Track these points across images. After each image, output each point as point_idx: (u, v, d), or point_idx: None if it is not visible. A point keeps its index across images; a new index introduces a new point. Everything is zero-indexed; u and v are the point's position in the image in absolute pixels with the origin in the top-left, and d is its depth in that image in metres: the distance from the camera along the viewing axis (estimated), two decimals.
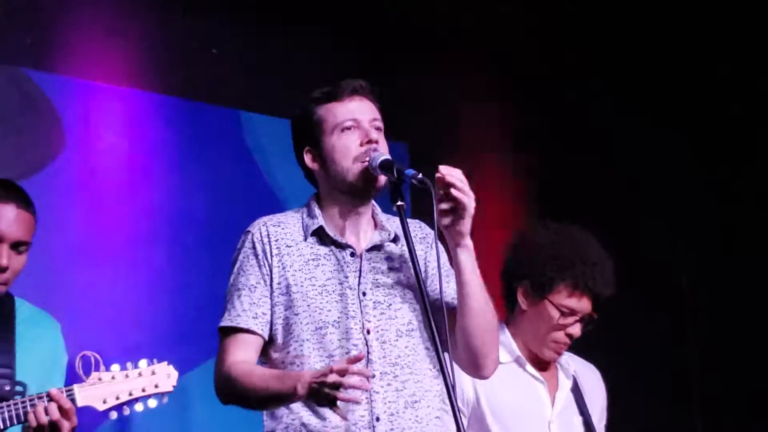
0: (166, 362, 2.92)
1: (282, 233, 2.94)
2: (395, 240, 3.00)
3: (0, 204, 3.00)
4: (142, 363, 2.89)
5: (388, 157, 2.89)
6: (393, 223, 3.01)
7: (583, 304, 3.37)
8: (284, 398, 2.78)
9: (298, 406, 2.82)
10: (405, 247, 2.90)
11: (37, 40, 4.17)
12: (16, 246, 2.99)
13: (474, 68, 5.20)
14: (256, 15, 4.64)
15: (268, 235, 2.93)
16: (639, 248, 5.29)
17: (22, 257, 3.02)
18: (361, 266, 2.93)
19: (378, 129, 2.97)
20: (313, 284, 2.89)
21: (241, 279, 2.90)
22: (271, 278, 2.89)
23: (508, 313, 3.49)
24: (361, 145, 2.92)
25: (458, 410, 2.64)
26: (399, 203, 2.83)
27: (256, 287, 2.89)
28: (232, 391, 2.84)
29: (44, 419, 2.77)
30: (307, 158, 3.00)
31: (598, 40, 5.46)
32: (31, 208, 3.05)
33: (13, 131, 4.08)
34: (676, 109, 5.62)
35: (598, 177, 5.39)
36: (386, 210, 3.00)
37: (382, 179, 2.90)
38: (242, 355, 2.87)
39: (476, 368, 2.93)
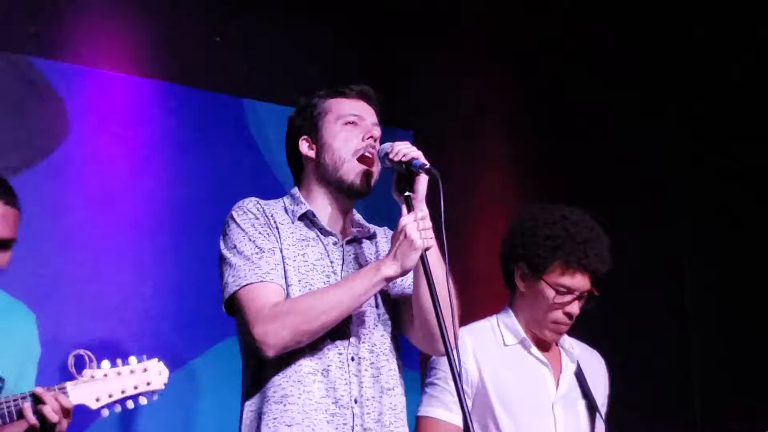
0: (156, 359, 2.88)
1: (273, 211, 2.99)
2: (372, 237, 3.08)
3: None
4: (133, 360, 2.86)
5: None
6: (368, 224, 3.10)
7: (578, 282, 3.39)
8: (366, 279, 2.81)
9: (279, 378, 2.86)
10: (383, 244, 3.04)
11: (40, 27, 4.16)
12: (2, 244, 2.95)
13: (477, 53, 5.20)
14: (259, 2, 4.63)
15: (264, 210, 2.97)
16: (639, 226, 5.31)
17: (6, 254, 2.97)
18: (343, 255, 2.99)
19: (377, 133, 3.03)
20: (305, 261, 2.94)
21: (256, 243, 2.90)
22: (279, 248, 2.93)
23: (510, 296, 3.52)
24: (363, 139, 2.98)
25: (463, 395, 2.65)
26: (407, 193, 2.86)
27: (274, 251, 2.91)
28: (292, 311, 2.80)
29: (55, 416, 2.74)
30: (303, 146, 3.05)
31: (599, 23, 5.45)
32: (15, 202, 2.99)
33: (18, 119, 4.07)
34: (675, 89, 5.63)
35: (599, 160, 5.39)
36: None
37: (375, 174, 2.97)
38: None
39: (433, 346, 2.96)
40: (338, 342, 2.89)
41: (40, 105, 4.14)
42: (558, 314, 3.41)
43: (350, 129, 3.00)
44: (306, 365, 2.86)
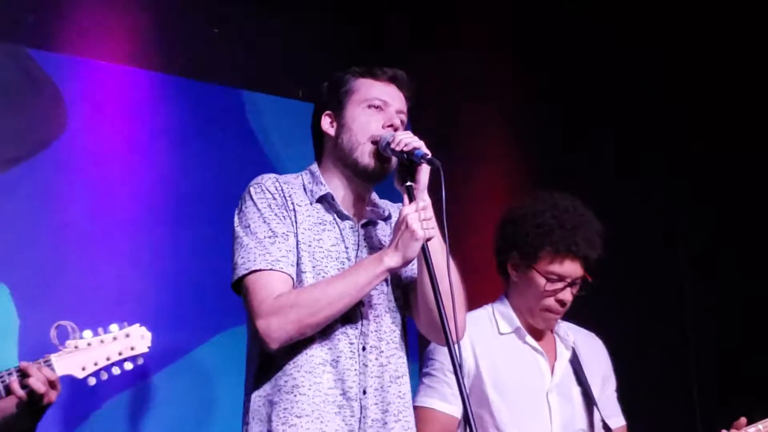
0: (138, 324, 2.89)
1: (292, 191, 2.96)
2: (387, 218, 3.06)
3: None
4: (114, 327, 2.86)
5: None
6: (382, 203, 3.08)
7: (568, 269, 3.40)
8: (370, 270, 2.80)
9: (290, 367, 2.84)
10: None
11: (38, 18, 4.14)
12: None
13: (476, 47, 5.18)
14: None
15: (283, 190, 2.94)
16: (636, 219, 5.31)
17: None
18: (358, 239, 2.97)
19: (401, 122, 3.00)
20: (321, 246, 2.91)
21: (271, 226, 2.87)
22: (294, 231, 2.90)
23: (505, 284, 3.54)
24: (383, 127, 2.95)
25: (464, 386, 2.66)
26: (408, 183, 2.85)
27: (287, 236, 2.88)
28: (296, 304, 2.79)
29: (42, 387, 2.73)
30: (325, 121, 3.02)
31: (600, 18, 5.44)
32: None
33: (15, 110, 4.05)
34: (677, 83, 5.62)
35: (597, 153, 5.39)
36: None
37: (393, 163, 2.93)
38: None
39: (440, 336, 2.90)
40: (349, 331, 2.88)
41: (38, 96, 4.12)
42: (550, 302, 3.42)
43: (372, 113, 2.97)
44: (317, 355, 2.85)
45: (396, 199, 3.06)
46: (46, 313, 3.71)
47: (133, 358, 2.86)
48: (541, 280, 3.40)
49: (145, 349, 2.87)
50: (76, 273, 4.05)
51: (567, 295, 3.42)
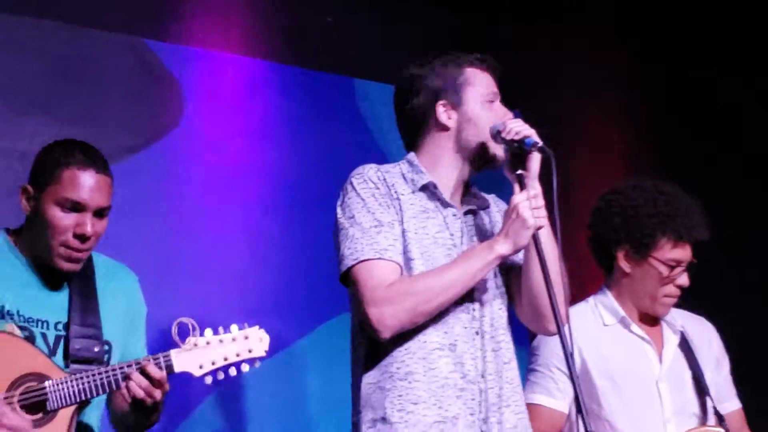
0: (257, 326, 2.89)
1: (394, 180, 2.96)
2: (487, 208, 3.06)
3: (78, 171, 2.86)
4: (234, 328, 2.87)
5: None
6: (483, 194, 3.09)
7: (687, 253, 3.41)
8: (481, 258, 2.82)
9: (402, 354, 2.84)
10: (495, 215, 3.03)
11: (154, 10, 4.24)
12: (99, 212, 2.91)
13: (586, 36, 5.13)
14: None
15: (385, 179, 2.94)
16: (743, 208, 5.20)
17: (104, 222, 2.93)
18: (462, 227, 2.98)
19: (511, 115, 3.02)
20: (427, 233, 2.91)
21: (376, 215, 2.87)
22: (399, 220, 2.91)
23: (607, 276, 3.52)
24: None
25: (575, 373, 2.66)
26: (519, 171, 2.85)
27: (393, 225, 2.88)
28: (410, 292, 2.79)
29: (140, 392, 2.78)
30: (441, 111, 3.00)
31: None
32: (107, 170, 2.94)
33: (133, 100, 4.17)
34: None
35: (704, 142, 5.28)
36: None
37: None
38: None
39: (541, 325, 2.95)
40: (462, 316, 2.88)
41: (156, 86, 4.23)
42: (670, 288, 3.43)
43: (489, 108, 2.98)
44: (432, 341, 2.84)
45: (490, 189, 3.09)
46: (161, 301, 3.79)
47: (250, 361, 2.87)
48: (663, 268, 3.39)
49: (263, 353, 2.87)
50: (187, 259, 4.14)
51: (685, 279, 3.43)
